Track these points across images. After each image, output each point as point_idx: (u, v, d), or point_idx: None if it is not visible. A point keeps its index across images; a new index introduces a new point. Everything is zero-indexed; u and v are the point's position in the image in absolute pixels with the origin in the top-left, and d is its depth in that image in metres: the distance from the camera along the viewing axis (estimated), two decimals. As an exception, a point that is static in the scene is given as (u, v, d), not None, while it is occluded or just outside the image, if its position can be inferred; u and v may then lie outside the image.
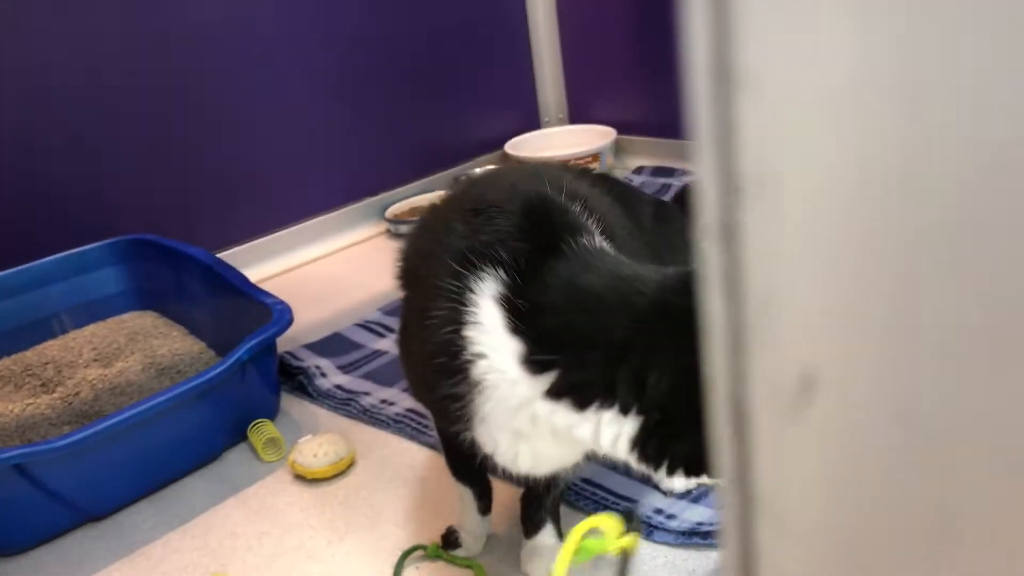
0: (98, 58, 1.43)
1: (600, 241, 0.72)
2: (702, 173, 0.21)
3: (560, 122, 2.12)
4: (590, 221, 0.74)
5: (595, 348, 0.63)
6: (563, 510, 0.89)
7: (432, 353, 0.70)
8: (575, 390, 0.64)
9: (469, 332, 0.67)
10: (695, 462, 0.63)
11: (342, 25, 1.73)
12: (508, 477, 0.96)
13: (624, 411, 0.63)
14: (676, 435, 0.63)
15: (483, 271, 0.68)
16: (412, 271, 0.80)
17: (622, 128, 1.98)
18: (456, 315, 0.68)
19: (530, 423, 0.68)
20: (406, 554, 0.89)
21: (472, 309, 0.67)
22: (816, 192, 0.20)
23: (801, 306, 0.21)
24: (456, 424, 0.72)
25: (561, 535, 0.87)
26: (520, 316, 0.66)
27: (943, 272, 0.20)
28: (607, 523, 0.66)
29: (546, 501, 0.86)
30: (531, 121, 2.11)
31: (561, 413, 0.65)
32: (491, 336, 0.67)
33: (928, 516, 0.22)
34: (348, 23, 1.73)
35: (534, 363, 0.65)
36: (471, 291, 0.68)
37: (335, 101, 1.75)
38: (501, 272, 0.68)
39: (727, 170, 0.20)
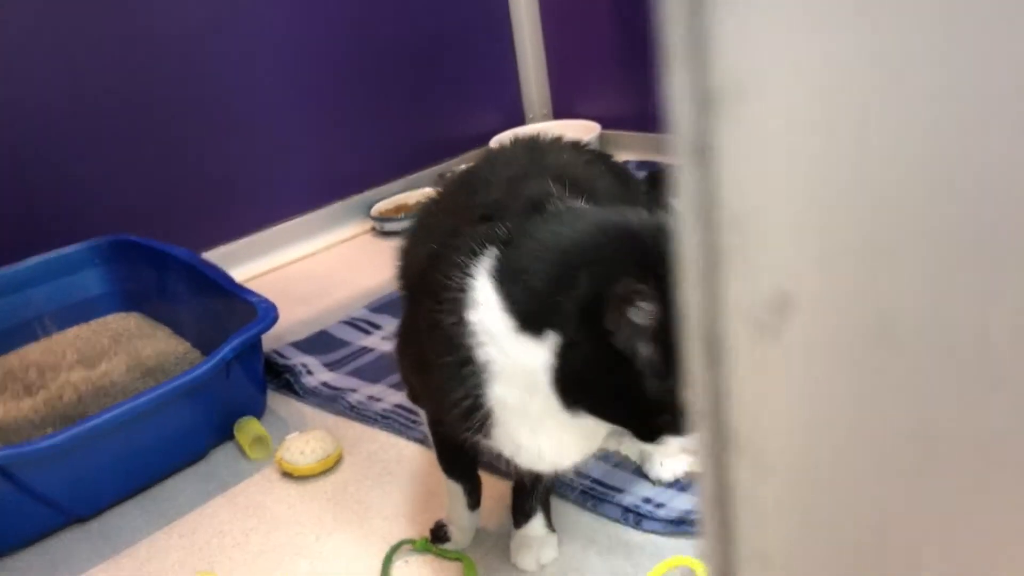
0: (79, 58, 1.42)
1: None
2: (673, 86, 0.20)
3: (544, 117, 2.12)
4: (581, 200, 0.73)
5: (568, 300, 0.63)
6: (553, 502, 0.88)
7: (439, 350, 0.69)
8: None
9: (470, 315, 0.67)
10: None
11: (324, 23, 1.72)
12: (496, 469, 0.96)
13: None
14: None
15: (481, 254, 0.68)
16: (414, 272, 0.80)
17: (606, 123, 1.98)
18: (458, 302, 0.68)
19: (544, 406, 0.66)
20: (395, 548, 0.89)
21: (470, 292, 0.67)
22: (797, 105, 0.19)
23: (778, 225, 0.20)
24: (467, 432, 0.71)
25: (551, 525, 0.87)
26: (507, 288, 0.66)
27: (927, 185, 0.19)
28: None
29: (537, 491, 0.85)
30: (515, 117, 2.11)
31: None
32: (489, 314, 0.66)
33: (910, 443, 0.22)
34: (331, 21, 1.73)
35: (526, 331, 0.65)
36: (471, 276, 0.68)
37: (319, 99, 1.75)
38: (495, 249, 0.68)
39: (700, 82, 0.19)
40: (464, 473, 0.87)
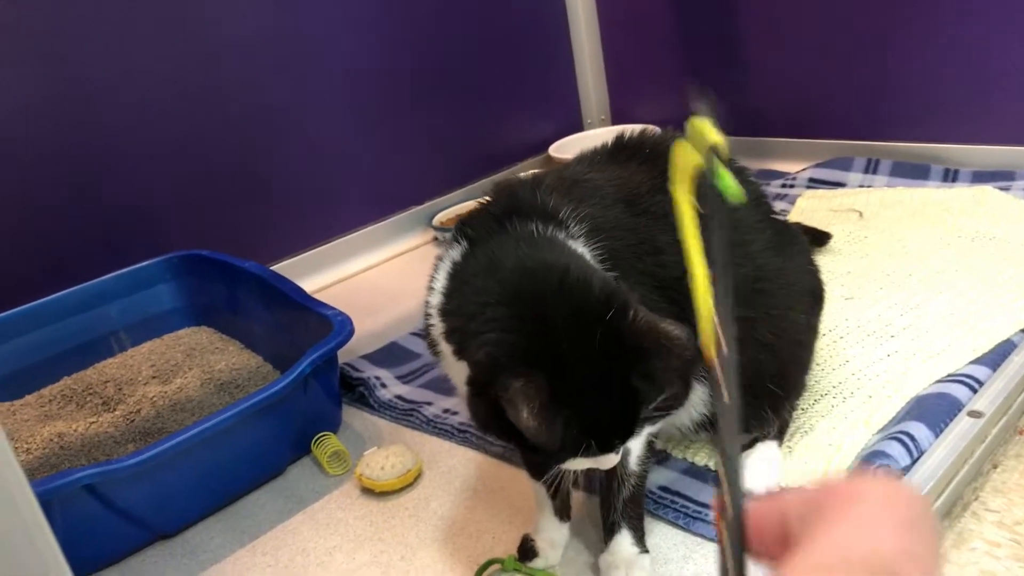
0: (147, 76, 1.44)
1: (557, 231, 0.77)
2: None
3: (602, 123, 2.09)
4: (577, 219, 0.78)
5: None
6: (647, 521, 0.85)
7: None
8: None
9: (428, 297, 0.80)
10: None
11: (384, 35, 1.72)
12: (589, 487, 0.94)
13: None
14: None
15: (458, 245, 0.81)
16: None
17: (665, 127, 1.95)
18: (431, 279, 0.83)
19: None
20: (482, 569, 0.87)
21: (434, 277, 0.82)
22: None
23: None
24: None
25: (642, 544, 0.84)
26: (449, 298, 0.78)
27: None
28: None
29: (616, 503, 0.82)
30: (574, 123, 2.09)
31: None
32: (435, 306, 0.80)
33: None
34: (389, 32, 1.73)
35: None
36: (440, 261, 0.83)
37: (379, 112, 1.75)
38: (465, 247, 0.80)
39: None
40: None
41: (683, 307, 0.80)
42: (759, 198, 0.93)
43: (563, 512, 0.87)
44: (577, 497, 0.91)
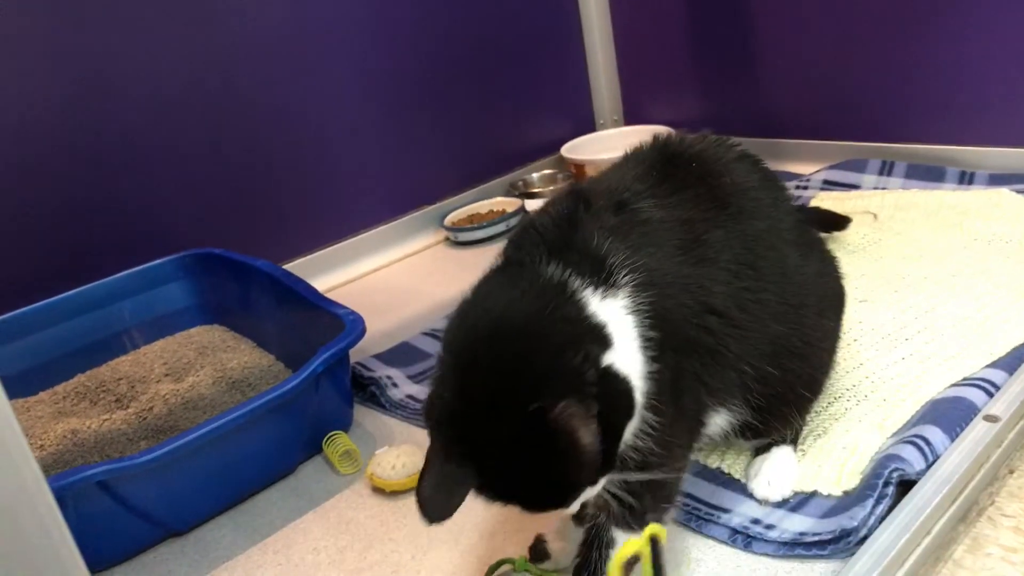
0: (161, 75, 1.44)
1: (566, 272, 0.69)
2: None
3: (615, 124, 2.09)
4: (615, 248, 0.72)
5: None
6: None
7: None
8: None
9: None
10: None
11: (396, 34, 1.72)
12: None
13: None
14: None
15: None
16: None
17: (678, 128, 1.93)
18: None
19: None
20: (492, 569, 0.87)
21: None
22: None
23: None
24: None
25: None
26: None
27: None
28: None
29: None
30: (586, 124, 2.08)
31: None
32: None
33: None
34: (402, 32, 1.73)
35: None
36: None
37: (391, 111, 1.75)
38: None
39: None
40: None
41: (734, 324, 0.78)
42: (789, 205, 0.91)
43: (579, 515, 0.87)
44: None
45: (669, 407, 0.72)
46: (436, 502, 0.65)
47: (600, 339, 0.67)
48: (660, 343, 0.70)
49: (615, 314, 0.69)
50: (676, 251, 0.76)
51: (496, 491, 0.67)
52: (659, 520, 0.75)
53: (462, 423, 0.65)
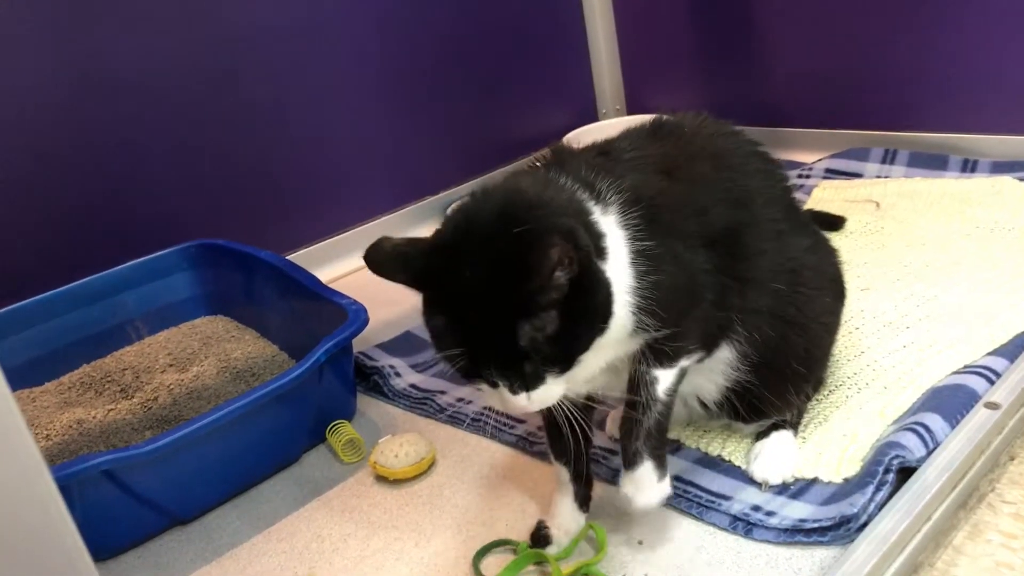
0: (165, 66, 1.44)
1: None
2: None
3: (617, 113, 2.09)
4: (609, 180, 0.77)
5: None
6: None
7: None
8: None
9: None
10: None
11: (398, 25, 1.72)
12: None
13: None
14: None
15: None
16: None
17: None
18: None
19: None
20: (488, 547, 0.88)
21: None
22: None
23: None
24: None
25: (663, 471, 0.81)
26: None
27: None
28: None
29: (639, 430, 0.79)
30: (588, 113, 2.08)
31: None
32: None
33: None
34: (404, 21, 1.72)
35: None
36: None
37: (394, 102, 1.75)
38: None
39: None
40: (571, 453, 0.85)
41: (735, 258, 0.82)
42: (783, 184, 0.93)
43: (583, 500, 0.88)
44: (598, 488, 0.92)
45: (668, 293, 0.75)
46: (382, 251, 0.74)
47: (597, 245, 0.72)
48: (654, 249, 0.74)
49: (610, 228, 0.74)
50: (660, 175, 0.80)
51: (450, 304, 0.70)
52: (687, 360, 0.81)
53: (450, 246, 0.70)
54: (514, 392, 0.70)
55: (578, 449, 0.85)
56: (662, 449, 0.82)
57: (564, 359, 0.70)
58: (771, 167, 0.93)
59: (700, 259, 0.79)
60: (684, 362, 0.81)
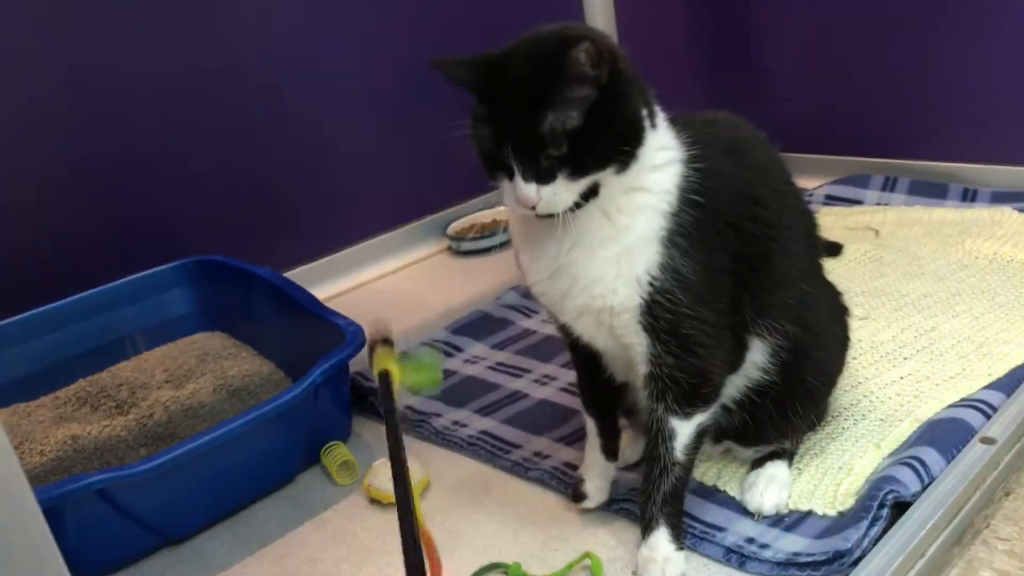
0: (167, 82, 1.45)
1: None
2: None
3: (619, 135, 2.09)
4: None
5: None
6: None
7: None
8: None
9: None
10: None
11: (399, 43, 1.73)
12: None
13: None
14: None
15: None
16: None
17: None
18: None
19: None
20: (481, 571, 0.87)
21: None
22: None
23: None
24: None
25: (679, 540, 0.84)
26: None
27: None
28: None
29: (656, 495, 0.83)
30: (590, 135, 2.08)
31: None
32: None
33: None
34: (404, 41, 1.73)
35: None
36: None
37: (394, 119, 1.75)
38: None
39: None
40: (600, 406, 0.92)
41: (770, 305, 0.84)
42: (811, 220, 0.94)
43: (611, 451, 0.93)
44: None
45: (695, 251, 0.78)
46: (451, 58, 0.84)
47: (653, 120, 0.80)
48: (701, 211, 0.78)
49: (671, 149, 0.80)
50: (724, 153, 0.83)
51: (494, 94, 0.78)
52: (703, 411, 0.82)
53: (508, 51, 0.80)
54: (526, 181, 0.73)
55: (603, 405, 0.92)
56: (679, 517, 0.85)
57: (577, 163, 0.73)
58: (797, 189, 0.95)
59: (730, 246, 0.81)
60: (700, 416, 0.83)
